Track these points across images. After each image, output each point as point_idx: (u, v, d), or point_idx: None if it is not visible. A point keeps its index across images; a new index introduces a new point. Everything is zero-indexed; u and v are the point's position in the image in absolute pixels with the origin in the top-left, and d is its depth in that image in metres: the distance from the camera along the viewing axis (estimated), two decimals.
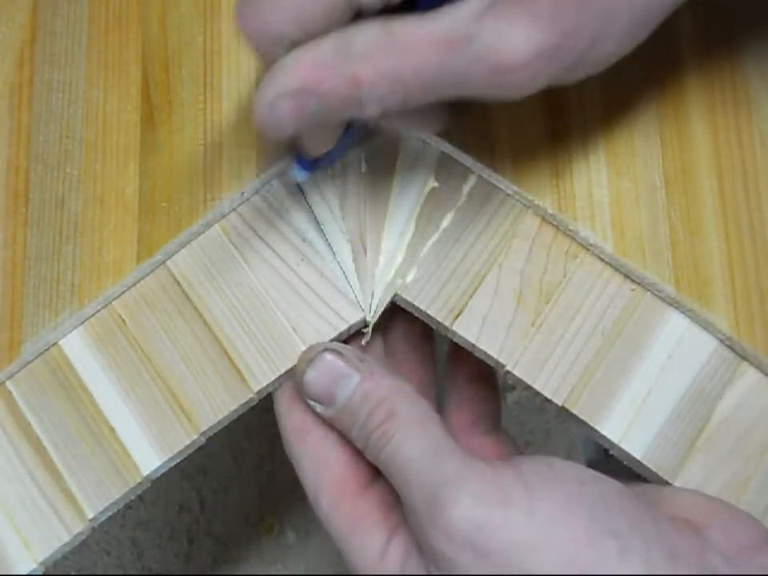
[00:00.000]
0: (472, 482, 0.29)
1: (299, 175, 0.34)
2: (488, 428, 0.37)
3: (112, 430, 0.35)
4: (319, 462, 0.33)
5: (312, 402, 0.33)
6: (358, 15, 0.29)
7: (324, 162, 0.35)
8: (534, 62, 0.28)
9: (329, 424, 0.34)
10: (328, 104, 0.29)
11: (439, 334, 0.35)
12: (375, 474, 0.34)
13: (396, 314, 0.36)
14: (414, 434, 0.31)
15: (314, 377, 0.33)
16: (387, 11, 0.29)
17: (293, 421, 0.34)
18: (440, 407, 0.35)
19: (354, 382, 0.32)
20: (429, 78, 0.28)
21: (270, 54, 0.30)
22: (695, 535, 0.30)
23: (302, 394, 0.33)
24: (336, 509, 0.32)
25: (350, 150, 0.36)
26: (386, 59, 0.28)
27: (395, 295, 0.35)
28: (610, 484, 0.30)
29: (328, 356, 0.33)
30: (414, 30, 0.28)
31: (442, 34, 0.28)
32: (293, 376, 0.35)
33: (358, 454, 0.33)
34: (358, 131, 0.34)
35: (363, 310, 0.35)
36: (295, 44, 0.29)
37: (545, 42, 0.28)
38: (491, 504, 0.29)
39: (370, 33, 0.28)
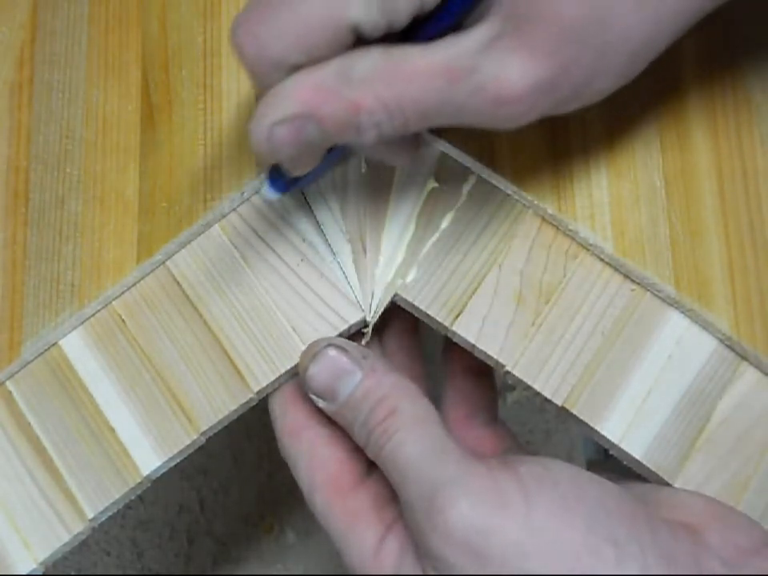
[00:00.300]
0: (471, 484, 0.29)
1: (271, 194, 0.33)
2: (485, 420, 0.37)
3: (112, 430, 0.35)
4: (313, 461, 0.33)
5: (314, 397, 0.33)
6: (360, 42, 0.29)
7: (299, 183, 0.34)
8: (532, 95, 0.28)
9: (327, 420, 0.34)
10: (326, 129, 0.29)
11: (435, 338, 0.35)
12: (369, 468, 0.34)
13: (386, 310, 0.36)
14: (414, 433, 0.31)
15: (316, 372, 0.33)
16: (389, 40, 0.29)
17: (287, 422, 0.34)
18: (437, 401, 0.35)
19: (357, 378, 0.32)
20: (428, 107, 0.28)
21: (268, 78, 0.29)
22: (692, 540, 0.30)
23: (305, 388, 0.33)
24: (331, 507, 0.33)
25: (326, 172, 0.36)
26: (386, 86, 0.28)
27: (395, 295, 0.35)
28: (608, 488, 0.30)
29: (331, 352, 0.33)
30: (417, 58, 0.28)
31: (444, 64, 0.28)
32: (293, 376, 0.35)
33: (352, 450, 0.33)
34: (338, 154, 0.34)
35: (363, 310, 0.35)
36: (294, 69, 0.29)
37: (542, 75, 0.28)
38: (489, 508, 0.29)
39: (371, 59, 0.28)
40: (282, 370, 0.34)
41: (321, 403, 0.33)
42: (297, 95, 0.28)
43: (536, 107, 0.29)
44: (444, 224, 0.36)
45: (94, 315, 0.36)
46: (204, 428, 0.34)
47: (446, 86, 0.28)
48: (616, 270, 0.35)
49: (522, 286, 0.35)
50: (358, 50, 0.29)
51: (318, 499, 0.33)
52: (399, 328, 0.37)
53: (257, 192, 0.36)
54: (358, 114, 0.28)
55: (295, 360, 0.34)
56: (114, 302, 0.36)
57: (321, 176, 0.36)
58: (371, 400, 0.32)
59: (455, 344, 0.35)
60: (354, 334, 0.35)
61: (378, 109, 0.28)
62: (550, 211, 0.35)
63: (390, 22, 0.29)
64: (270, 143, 0.29)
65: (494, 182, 0.36)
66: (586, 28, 0.28)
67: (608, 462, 0.35)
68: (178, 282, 0.36)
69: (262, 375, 0.34)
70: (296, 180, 0.33)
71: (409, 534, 0.31)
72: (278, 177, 0.33)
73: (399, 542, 0.31)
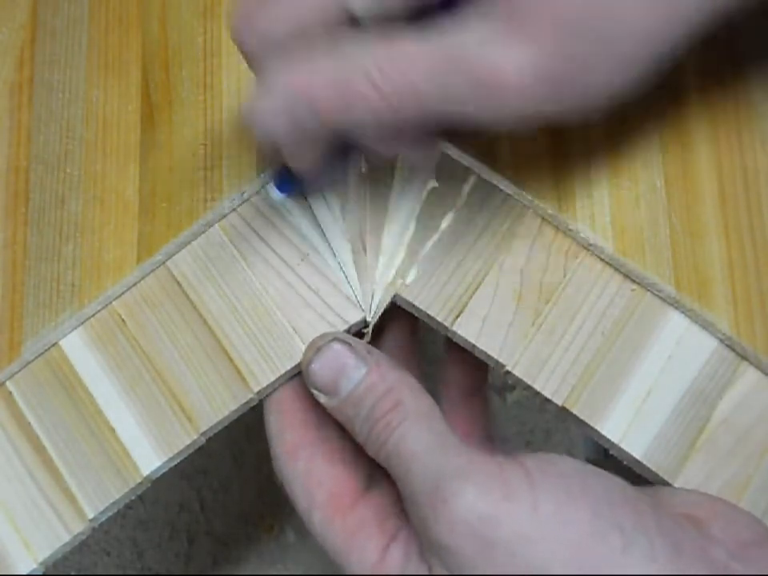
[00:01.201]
0: (476, 475, 0.29)
1: (276, 195, 0.35)
2: (480, 440, 0.37)
3: (112, 430, 0.35)
4: (310, 480, 0.33)
5: (315, 392, 0.33)
6: (356, 25, 0.29)
7: (303, 188, 0.35)
8: (530, 83, 0.28)
9: (324, 438, 0.34)
10: (318, 109, 0.29)
11: (435, 338, 0.35)
12: (368, 483, 0.34)
13: (386, 310, 0.36)
14: (418, 427, 0.31)
15: (319, 366, 0.33)
16: (387, 22, 0.29)
17: (284, 442, 0.34)
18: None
19: (360, 373, 0.32)
20: (422, 92, 0.28)
21: (262, 61, 0.30)
22: (698, 530, 0.30)
23: (307, 382, 0.33)
24: (331, 524, 0.32)
25: (330, 182, 0.36)
26: (379, 70, 0.28)
27: (395, 295, 0.35)
28: (613, 481, 0.30)
29: (336, 345, 0.33)
30: (411, 42, 0.28)
31: (439, 50, 0.28)
32: (293, 376, 0.35)
33: (350, 465, 0.33)
34: (341, 162, 0.34)
35: (363, 310, 0.35)
36: (288, 52, 0.29)
37: (540, 62, 0.28)
38: (495, 498, 0.28)
39: (365, 43, 0.29)
40: (282, 370, 0.34)
41: (322, 398, 0.33)
42: (289, 76, 0.29)
43: (535, 98, 0.28)
44: (444, 224, 0.36)
45: (94, 315, 0.36)
46: (204, 428, 0.34)
47: (441, 71, 0.28)
48: (616, 269, 0.35)
49: (522, 286, 0.35)
50: (353, 34, 0.29)
51: (318, 518, 0.33)
52: (399, 329, 0.37)
53: (257, 192, 0.36)
54: (351, 94, 0.28)
55: (295, 360, 0.34)
56: (114, 302, 0.36)
57: (328, 182, 0.36)
58: (375, 394, 0.32)
59: (451, 365, 0.35)
60: (354, 335, 0.35)
61: (370, 92, 0.28)
62: (549, 211, 0.35)
63: (381, 2, 0.29)
64: (262, 123, 0.29)
65: (494, 181, 0.36)
66: (583, 14, 0.28)
67: (608, 462, 0.35)
68: (178, 282, 0.36)
69: (262, 375, 0.34)
70: (299, 183, 0.33)
71: (413, 540, 0.31)
72: (285, 178, 0.33)
73: (403, 549, 0.31)
